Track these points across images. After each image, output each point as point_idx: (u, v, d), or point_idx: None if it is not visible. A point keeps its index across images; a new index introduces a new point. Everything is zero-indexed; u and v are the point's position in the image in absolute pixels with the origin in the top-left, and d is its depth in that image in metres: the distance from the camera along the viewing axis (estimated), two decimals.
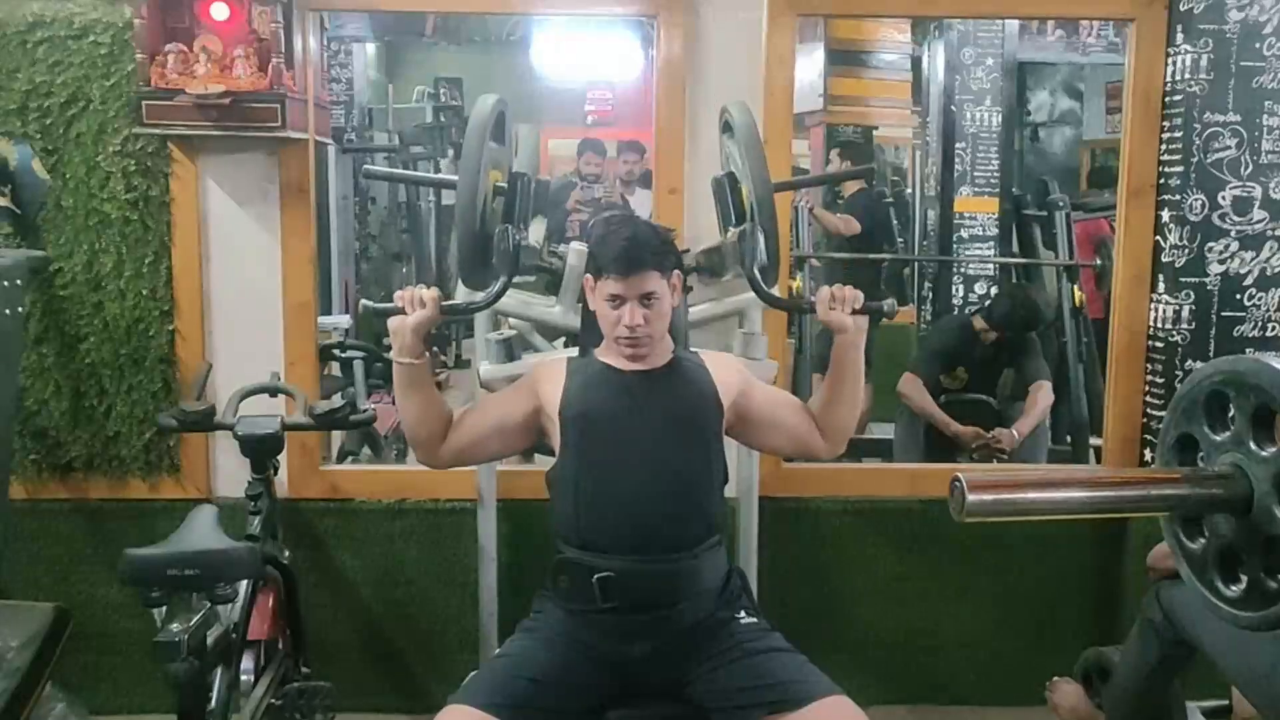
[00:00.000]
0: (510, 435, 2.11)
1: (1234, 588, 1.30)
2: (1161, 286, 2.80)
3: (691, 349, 2.21)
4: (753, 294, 2.47)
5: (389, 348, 4.27)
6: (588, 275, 2.09)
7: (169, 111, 2.50)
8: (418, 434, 2.06)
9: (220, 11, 2.51)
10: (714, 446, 2.05)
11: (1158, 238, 2.81)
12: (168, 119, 2.51)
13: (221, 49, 2.51)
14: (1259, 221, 2.72)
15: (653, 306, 1.99)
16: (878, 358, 4.71)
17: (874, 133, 6.08)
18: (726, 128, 2.39)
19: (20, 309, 2.35)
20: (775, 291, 2.24)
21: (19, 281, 2.33)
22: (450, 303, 2.08)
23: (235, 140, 2.59)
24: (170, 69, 2.49)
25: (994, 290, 4.97)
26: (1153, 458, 2.81)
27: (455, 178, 2.14)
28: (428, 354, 2.04)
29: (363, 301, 2.19)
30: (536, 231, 2.47)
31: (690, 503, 1.99)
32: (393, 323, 2.00)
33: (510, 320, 2.60)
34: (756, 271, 2.14)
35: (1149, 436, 2.86)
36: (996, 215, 5.16)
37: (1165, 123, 2.77)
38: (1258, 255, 2.73)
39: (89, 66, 2.60)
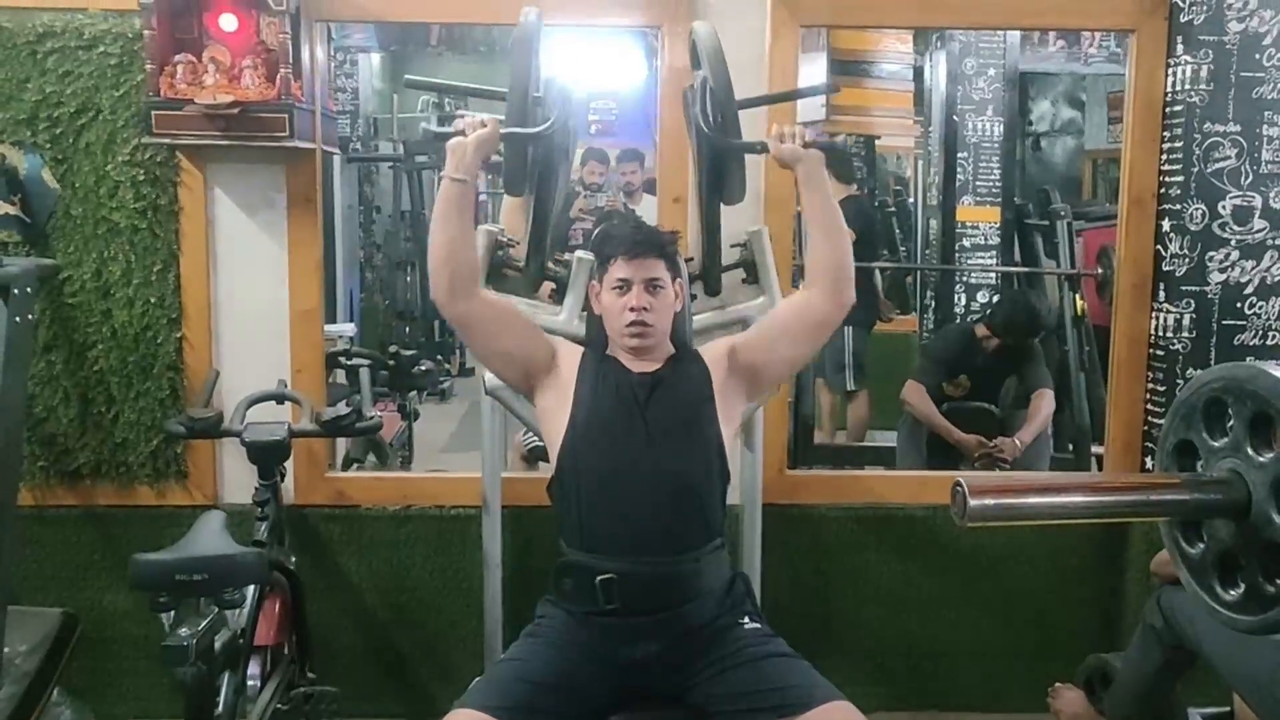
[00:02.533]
0: (523, 349, 2.09)
1: (1233, 592, 1.30)
2: (1162, 295, 2.81)
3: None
4: (756, 301, 2.50)
5: (393, 355, 4.27)
6: (593, 281, 2.11)
7: (178, 121, 2.52)
8: (445, 258, 2.00)
9: (229, 23, 2.54)
10: (716, 449, 2.06)
11: (1158, 247, 2.82)
12: (176, 129, 2.53)
13: (230, 59, 2.53)
14: (1259, 231, 2.73)
15: (658, 295, 2.01)
16: (880, 366, 4.74)
17: (876, 142, 6.10)
18: (693, 50, 2.40)
19: (30, 316, 2.36)
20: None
21: (28, 289, 2.35)
22: (509, 130, 2.09)
23: (243, 150, 2.61)
24: (179, 79, 2.52)
25: (996, 299, 4.98)
26: (1154, 465, 2.82)
27: (500, 89, 2.18)
28: (478, 179, 2.07)
29: (423, 125, 2.25)
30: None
31: (692, 505, 2.01)
32: (453, 142, 2.02)
33: None
34: (704, 118, 2.16)
35: (1150, 444, 2.87)
36: (998, 224, 5.18)
37: (1166, 133, 2.79)
38: (1258, 264, 2.74)
39: (99, 77, 2.63)
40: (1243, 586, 1.29)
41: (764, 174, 2.71)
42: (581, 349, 2.17)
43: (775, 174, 2.56)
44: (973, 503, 1.22)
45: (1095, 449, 3.88)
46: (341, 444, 3.33)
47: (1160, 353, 2.82)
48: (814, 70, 5.45)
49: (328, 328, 3.24)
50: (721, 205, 2.39)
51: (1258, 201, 2.72)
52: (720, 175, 2.26)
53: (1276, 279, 2.75)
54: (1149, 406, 2.87)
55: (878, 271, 5.43)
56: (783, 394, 2.79)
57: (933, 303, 5.45)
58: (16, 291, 2.28)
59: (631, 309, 2.02)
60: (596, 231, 2.42)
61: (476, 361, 2.53)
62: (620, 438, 2.02)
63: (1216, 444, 1.32)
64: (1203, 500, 1.29)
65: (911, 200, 6.15)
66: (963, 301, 5.18)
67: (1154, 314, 2.84)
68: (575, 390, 2.06)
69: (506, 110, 2.14)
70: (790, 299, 2.13)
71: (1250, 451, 1.27)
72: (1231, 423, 1.30)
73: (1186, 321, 2.76)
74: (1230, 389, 1.30)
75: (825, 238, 2.08)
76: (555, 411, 2.08)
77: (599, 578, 1.95)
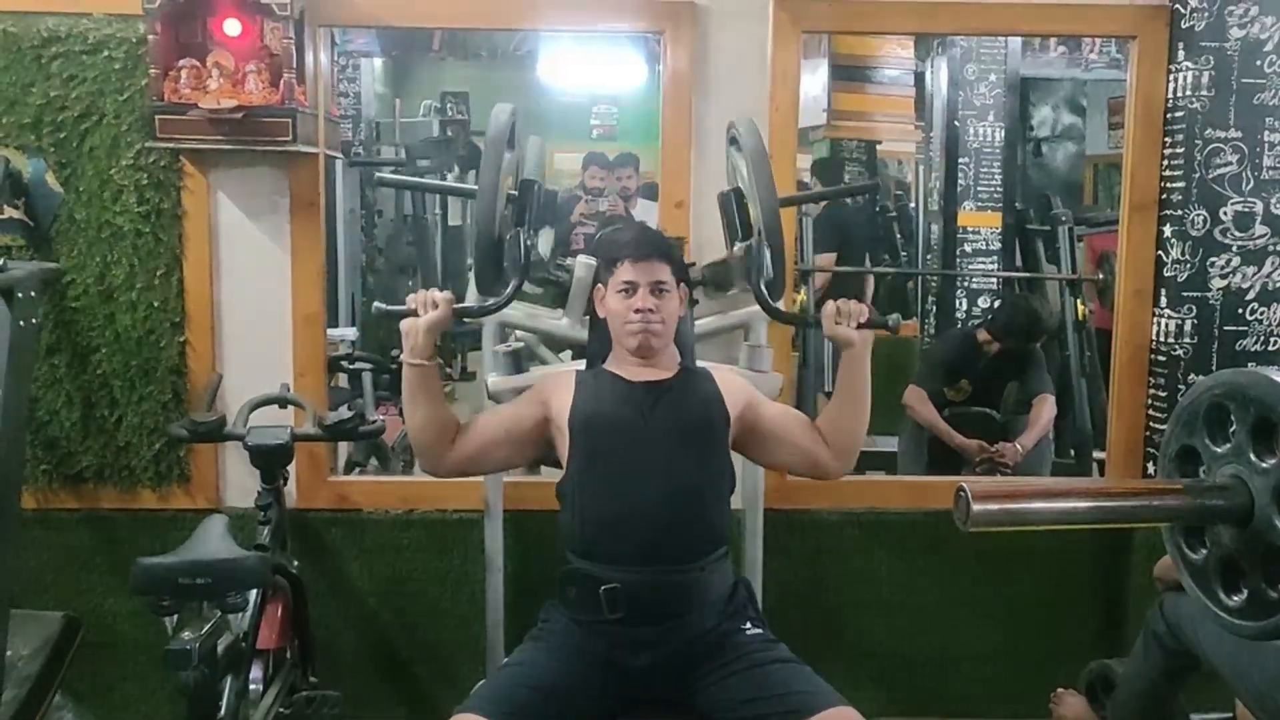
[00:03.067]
0: (517, 445, 2.12)
1: (1236, 598, 1.31)
2: (1164, 301, 2.81)
3: (699, 364, 2.23)
4: (758, 307, 2.50)
5: (396, 358, 4.29)
6: (598, 285, 2.11)
7: (181, 126, 2.52)
8: (424, 439, 2.06)
9: (233, 27, 2.54)
10: (721, 458, 2.07)
11: (1160, 252, 2.82)
12: (180, 133, 2.53)
13: (234, 64, 2.54)
14: (1260, 237, 2.73)
15: (664, 297, 2.02)
16: (881, 370, 4.72)
17: (877, 147, 6.11)
18: (734, 142, 2.42)
19: (33, 320, 2.37)
20: (781, 306, 2.26)
21: (32, 293, 2.35)
22: (462, 305, 2.10)
23: (247, 154, 2.62)
24: (183, 84, 2.52)
25: (997, 304, 4.99)
26: (1156, 471, 2.83)
27: (471, 186, 2.17)
28: (438, 359, 2.06)
29: (375, 304, 2.22)
30: (545, 241, 2.49)
31: (697, 514, 2.01)
32: (405, 324, 2.02)
33: (517, 332, 2.63)
34: (763, 287, 2.16)
35: (1152, 450, 2.87)
36: (999, 230, 5.18)
37: (1167, 139, 2.79)
38: (1259, 270, 2.74)
39: (103, 81, 2.63)
40: (1245, 592, 1.29)
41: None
42: (573, 372, 2.17)
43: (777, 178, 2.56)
44: (976, 508, 1.22)
45: (1096, 454, 3.88)
46: (344, 448, 3.33)
47: (1162, 358, 2.82)
48: (816, 75, 5.47)
49: (330, 332, 3.24)
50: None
51: (1259, 207, 2.72)
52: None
53: (1278, 285, 2.75)
54: (1150, 412, 2.88)
55: (870, 279, 5.44)
56: (784, 399, 2.79)
57: (934, 308, 5.45)
58: (20, 295, 2.28)
59: (637, 310, 2.02)
60: (601, 235, 2.42)
61: (479, 368, 2.54)
62: (624, 448, 2.02)
63: (1219, 450, 1.33)
64: (1205, 506, 1.29)
65: (912, 205, 6.15)
66: (964, 307, 5.18)
67: (1155, 319, 2.84)
68: (572, 413, 2.06)
69: (474, 219, 2.13)
70: (811, 432, 2.13)
71: (1253, 457, 1.27)
72: (1234, 428, 1.30)
73: (1188, 327, 2.77)
74: (1233, 394, 1.30)
75: (851, 412, 2.11)
76: (561, 440, 2.09)
77: (603, 588, 1.95)
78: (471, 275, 2.59)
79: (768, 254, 2.14)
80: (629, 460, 2.01)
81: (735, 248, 2.32)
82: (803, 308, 2.14)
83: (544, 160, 2.39)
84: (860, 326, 2.06)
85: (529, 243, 2.16)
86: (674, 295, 2.06)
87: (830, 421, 2.12)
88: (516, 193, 2.19)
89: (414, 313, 2.02)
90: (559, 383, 2.13)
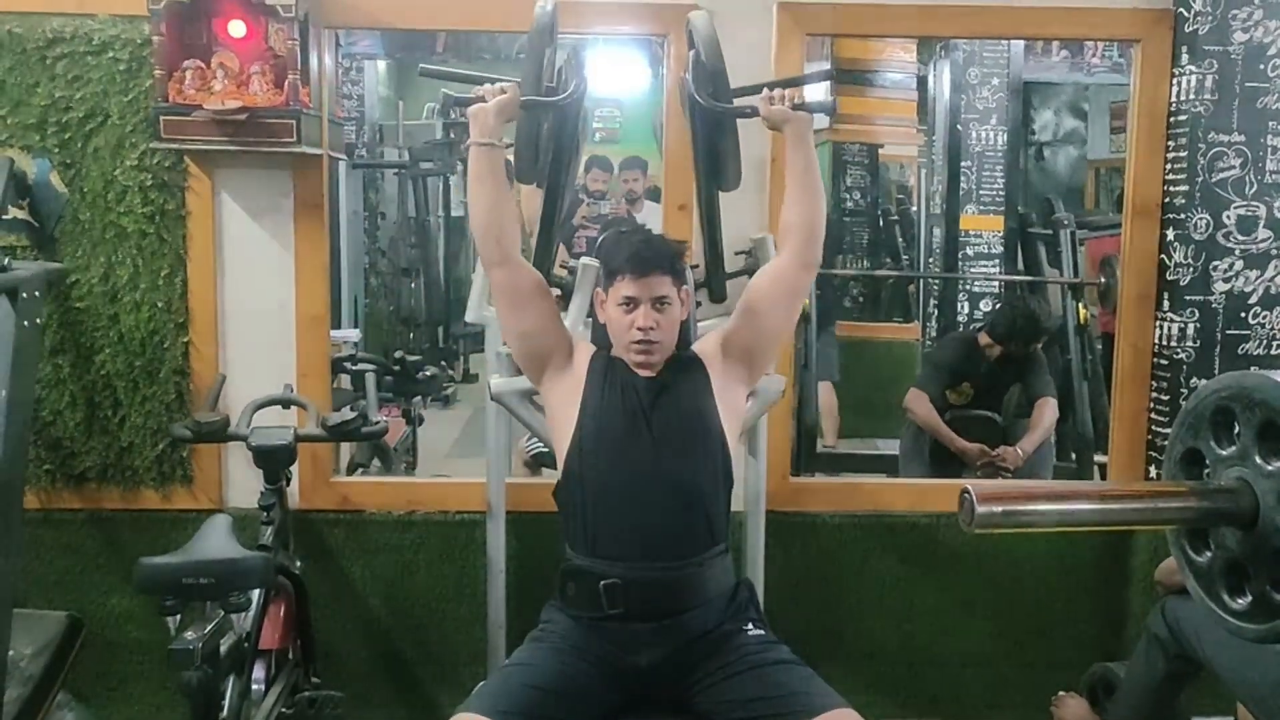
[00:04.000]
0: (545, 326, 2.12)
1: (1240, 601, 1.31)
2: (1166, 305, 2.82)
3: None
4: None
5: (398, 360, 4.28)
6: (598, 289, 2.11)
7: (186, 127, 2.52)
8: (489, 222, 2.07)
9: (238, 29, 2.54)
10: (719, 451, 2.07)
11: (1163, 256, 2.83)
12: (185, 134, 2.53)
13: (238, 65, 2.54)
14: (1263, 240, 2.74)
15: (665, 312, 2.02)
16: (883, 373, 4.74)
17: (879, 151, 6.11)
18: (690, 37, 2.41)
19: (38, 320, 2.37)
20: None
21: (36, 293, 2.35)
22: (529, 98, 2.12)
23: (251, 155, 2.62)
24: (188, 85, 2.52)
25: (997, 307, 4.99)
26: (1158, 475, 2.83)
27: (512, 79, 2.19)
28: (500, 141, 2.08)
29: (443, 90, 2.25)
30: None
31: (696, 509, 2.01)
32: (474, 108, 2.07)
33: None
34: (691, 85, 2.18)
35: (1154, 454, 2.87)
36: (1001, 233, 5.18)
37: (1170, 142, 2.80)
38: (1262, 274, 2.75)
39: (107, 82, 2.64)
40: (1250, 596, 1.29)
41: (768, 180, 2.72)
42: (594, 348, 2.18)
43: (779, 177, 2.56)
44: (980, 510, 1.22)
45: (1098, 458, 3.88)
46: (346, 449, 3.33)
47: (1164, 362, 2.83)
48: (820, 88, 5.46)
49: (333, 333, 3.24)
50: (722, 216, 2.39)
51: (1262, 211, 2.73)
52: (716, 158, 2.27)
53: None
54: (1153, 416, 2.88)
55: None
56: (785, 401, 2.79)
57: (935, 311, 5.45)
58: (24, 295, 2.28)
59: (639, 328, 2.02)
60: (604, 239, 2.42)
61: (481, 370, 2.53)
62: (625, 443, 2.03)
63: (1224, 452, 1.33)
64: (1211, 509, 1.30)
65: (915, 209, 6.15)
66: (966, 310, 5.18)
67: (1158, 323, 2.84)
68: (584, 391, 2.07)
69: (522, 83, 2.15)
70: (761, 271, 2.18)
71: (1258, 460, 1.27)
72: (1239, 431, 1.30)
73: (1190, 331, 2.77)
74: (1238, 397, 1.30)
75: (803, 196, 2.12)
76: (563, 410, 2.09)
77: (602, 583, 1.96)
78: (475, 278, 2.59)
79: (706, 63, 2.17)
80: (628, 457, 2.02)
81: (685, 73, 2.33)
82: (742, 113, 2.15)
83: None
84: (796, 108, 2.11)
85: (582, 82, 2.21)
86: (675, 306, 2.06)
87: (789, 217, 2.12)
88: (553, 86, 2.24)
89: (482, 100, 2.07)
90: (584, 353, 2.15)
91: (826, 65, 4.72)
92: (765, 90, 2.13)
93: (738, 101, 2.21)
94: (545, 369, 2.13)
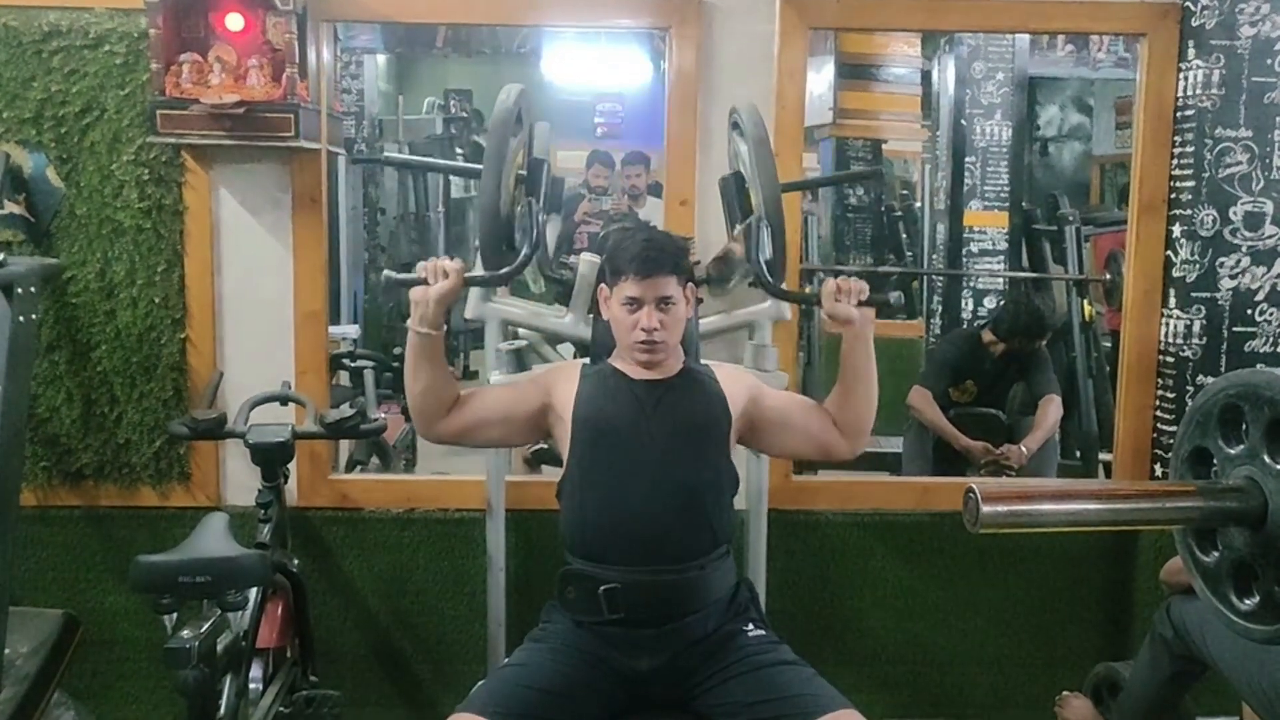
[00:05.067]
0: (514, 426, 2.11)
1: (1248, 601, 1.29)
2: (1173, 301, 2.79)
3: (702, 361, 2.22)
4: (763, 306, 2.49)
5: (397, 357, 4.27)
6: (602, 285, 2.09)
7: (183, 121, 2.51)
8: (422, 406, 2.04)
9: (235, 22, 2.53)
10: (723, 456, 2.05)
11: (1169, 253, 2.80)
12: (182, 128, 2.52)
13: (236, 59, 2.53)
14: (1270, 237, 2.71)
15: (669, 311, 2.00)
16: (886, 371, 4.70)
17: (883, 146, 6.09)
18: (735, 127, 2.41)
19: (34, 316, 2.36)
20: (783, 287, 2.24)
21: (32, 289, 2.34)
22: (472, 275, 2.08)
23: (248, 150, 2.61)
24: (185, 79, 2.51)
25: (1000, 304, 4.97)
26: (1163, 473, 2.81)
27: (475, 165, 2.17)
28: (444, 327, 2.04)
29: (385, 272, 2.20)
30: (551, 232, 2.48)
31: (698, 513, 1.99)
32: (415, 292, 2.00)
33: (520, 331, 2.61)
34: (763, 265, 2.14)
35: (1159, 452, 2.85)
36: (1006, 229, 5.16)
37: (1177, 138, 2.77)
38: (1269, 270, 2.72)
39: (104, 76, 2.62)
40: (1258, 596, 1.28)
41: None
42: (579, 364, 2.15)
43: (783, 177, 2.54)
44: (985, 509, 1.21)
45: (1103, 456, 3.86)
46: (345, 446, 3.32)
47: (1170, 359, 2.80)
48: (822, 74, 5.45)
49: (332, 329, 3.23)
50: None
51: (1269, 207, 2.70)
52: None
53: None
54: (1158, 414, 2.86)
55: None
56: None
57: (939, 308, 5.43)
58: (20, 291, 2.27)
59: (643, 329, 2.00)
60: (609, 237, 2.40)
61: (481, 367, 2.52)
62: (626, 446, 2.00)
63: (1232, 451, 1.31)
64: (1218, 508, 1.28)
65: (919, 205, 6.14)
66: (970, 307, 5.16)
67: (1164, 320, 2.82)
68: (575, 406, 2.04)
69: (479, 197, 2.12)
70: (818, 415, 2.10)
71: (1267, 459, 1.25)
72: (1248, 429, 1.28)
73: (1197, 328, 2.74)
74: (1246, 395, 1.28)
75: (859, 393, 2.06)
76: (561, 429, 2.07)
77: (602, 588, 1.94)
78: (478, 258, 2.57)
79: (768, 232, 2.12)
80: (629, 459, 1.99)
81: (735, 230, 2.31)
82: (805, 300, 2.14)
83: (549, 144, 2.39)
84: (861, 304, 2.02)
85: (541, 216, 2.15)
86: (680, 304, 2.04)
87: (838, 403, 2.09)
88: (526, 172, 2.18)
89: (424, 281, 1.99)
90: (564, 373, 2.12)
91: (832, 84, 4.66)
92: (831, 284, 2.02)
93: (800, 283, 2.17)
94: (543, 428, 2.12)
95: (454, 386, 2.08)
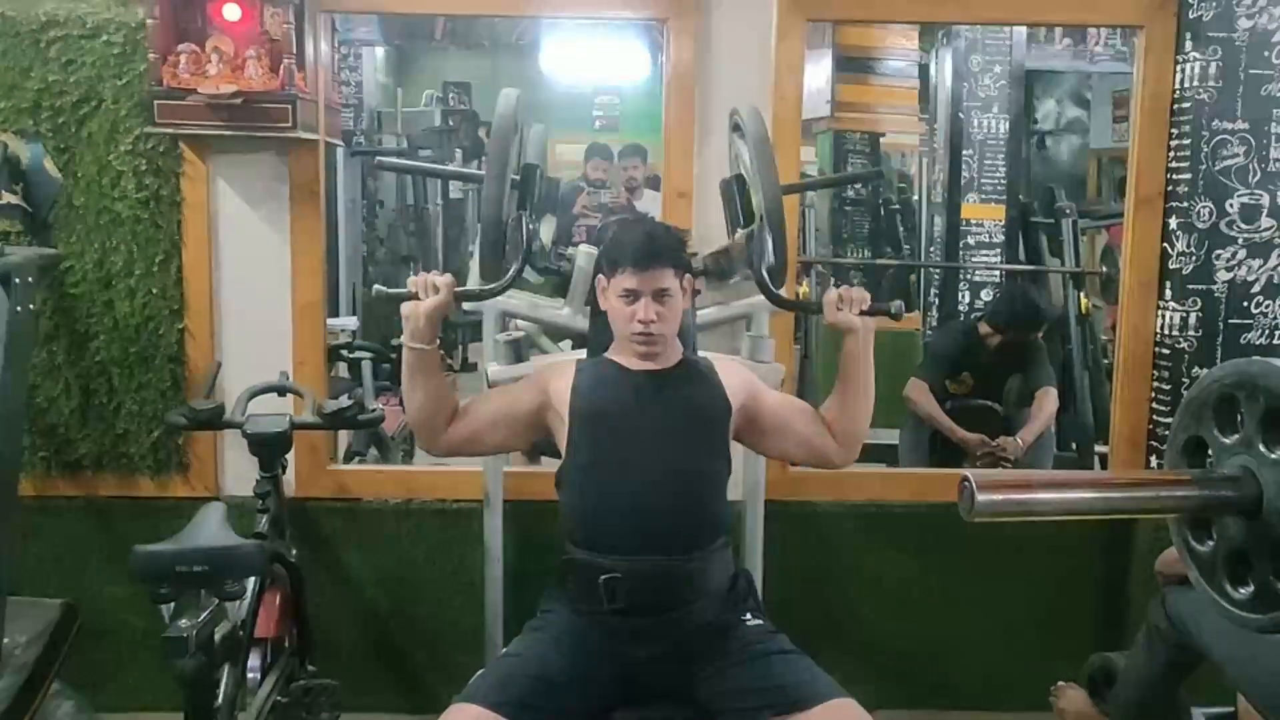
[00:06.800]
0: (514, 428, 2.11)
1: (1243, 591, 1.29)
2: (1169, 294, 2.80)
3: (700, 353, 2.22)
4: (760, 297, 2.48)
5: (396, 348, 4.27)
6: (600, 276, 2.10)
7: (181, 111, 2.51)
8: (422, 420, 2.05)
9: (232, 12, 2.52)
10: (721, 447, 2.05)
11: (1165, 245, 2.81)
12: (179, 119, 2.52)
13: (233, 49, 2.52)
14: (1267, 229, 2.72)
15: (666, 304, 2.00)
16: (883, 363, 4.70)
17: (880, 139, 6.09)
18: (736, 129, 2.40)
19: (31, 306, 2.35)
20: (783, 293, 2.25)
21: (30, 279, 2.33)
22: (463, 289, 2.08)
23: (246, 140, 2.60)
24: (182, 69, 2.50)
25: (996, 296, 4.97)
26: (1159, 465, 2.81)
27: (471, 171, 2.15)
28: (438, 341, 2.04)
29: (375, 286, 2.19)
30: (546, 231, 2.47)
31: (697, 503, 2.00)
32: (406, 307, 2.00)
33: (518, 322, 2.61)
34: (765, 272, 2.15)
35: (1155, 444, 2.86)
36: (1003, 222, 5.16)
37: (1173, 130, 2.77)
38: (1265, 263, 2.73)
39: (101, 66, 2.62)
40: (1253, 586, 1.28)
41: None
42: (573, 364, 2.15)
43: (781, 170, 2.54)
44: (981, 498, 1.21)
45: (1099, 448, 3.87)
46: (343, 437, 3.32)
47: (1166, 351, 2.81)
48: (819, 67, 5.44)
49: (330, 321, 3.23)
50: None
51: (1265, 200, 2.71)
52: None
53: None
54: (1154, 405, 2.86)
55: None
56: (786, 389, 2.77)
57: (936, 301, 5.44)
58: (18, 281, 2.26)
59: (640, 320, 2.00)
60: (607, 229, 2.40)
61: (479, 359, 2.52)
62: (624, 436, 2.01)
63: (1228, 440, 1.31)
64: (1214, 497, 1.28)
65: (916, 198, 6.13)
66: (967, 299, 5.16)
67: (1160, 312, 2.82)
68: (572, 399, 2.05)
69: (482, 205, 2.11)
70: (814, 421, 2.11)
71: (1262, 448, 1.26)
72: (1243, 419, 1.29)
73: (1193, 320, 2.75)
74: (1242, 385, 1.29)
75: (854, 405, 2.08)
76: (559, 424, 2.07)
77: (602, 577, 1.94)
78: (471, 265, 2.58)
79: (770, 239, 2.13)
80: (628, 449, 2.00)
81: (737, 234, 2.31)
82: (804, 297, 2.12)
83: (545, 148, 2.38)
84: (863, 313, 2.04)
85: (532, 227, 2.15)
86: (677, 296, 2.04)
87: (834, 411, 2.10)
88: (518, 178, 2.18)
89: (414, 296, 1.99)
90: (560, 370, 2.13)
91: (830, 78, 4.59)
92: (834, 293, 2.05)
93: (798, 275, 2.14)
94: (544, 426, 2.11)
95: (453, 398, 2.08)
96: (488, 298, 2.20)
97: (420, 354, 2.01)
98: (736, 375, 2.14)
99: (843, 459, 2.12)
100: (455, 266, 6.19)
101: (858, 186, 5.79)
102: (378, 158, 2.99)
